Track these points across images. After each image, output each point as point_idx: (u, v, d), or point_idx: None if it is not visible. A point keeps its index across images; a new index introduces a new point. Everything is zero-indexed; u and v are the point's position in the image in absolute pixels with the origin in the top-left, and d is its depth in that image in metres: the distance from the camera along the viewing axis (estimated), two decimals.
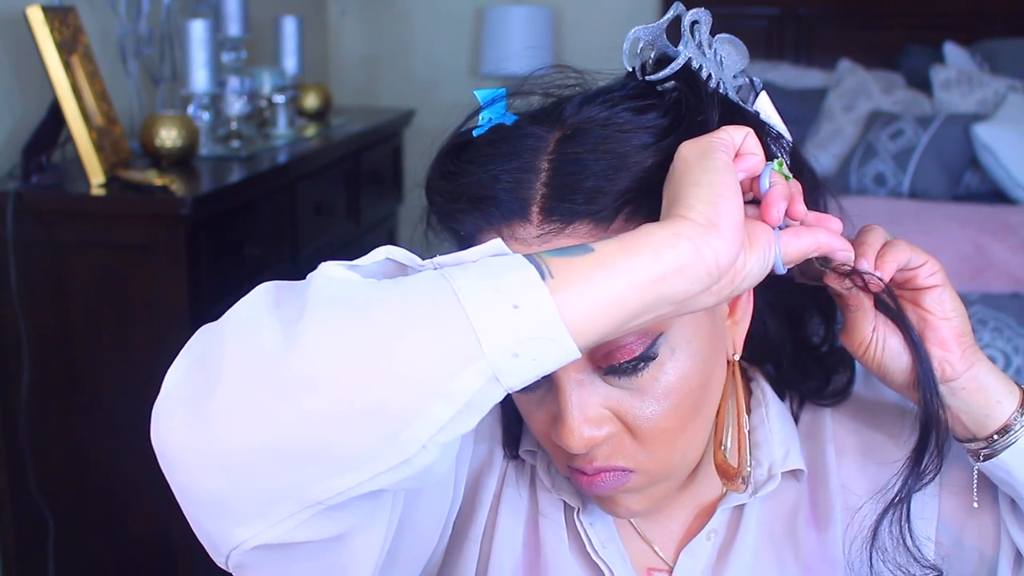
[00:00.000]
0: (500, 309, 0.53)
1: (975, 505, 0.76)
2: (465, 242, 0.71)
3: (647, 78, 0.70)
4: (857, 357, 0.75)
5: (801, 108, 3.68)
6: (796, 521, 0.80)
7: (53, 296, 1.93)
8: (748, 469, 0.78)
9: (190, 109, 2.39)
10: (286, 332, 0.54)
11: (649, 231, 0.58)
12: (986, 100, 3.52)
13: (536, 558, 0.81)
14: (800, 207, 0.65)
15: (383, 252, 0.61)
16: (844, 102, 3.63)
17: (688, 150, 0.63)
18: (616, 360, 0.68)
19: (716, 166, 0.61)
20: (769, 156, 0.68)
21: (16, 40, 2.06)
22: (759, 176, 0.65)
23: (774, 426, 0.81)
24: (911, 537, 0.74)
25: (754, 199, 0.65)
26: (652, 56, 0.71)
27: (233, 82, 2.49)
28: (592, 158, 0.67)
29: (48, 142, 2.01)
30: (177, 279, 1.90)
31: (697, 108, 0.68)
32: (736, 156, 0.64)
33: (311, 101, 2.97)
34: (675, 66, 0.69)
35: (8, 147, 2.07)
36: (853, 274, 0.71)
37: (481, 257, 0.58)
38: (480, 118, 0.73)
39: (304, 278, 0.59)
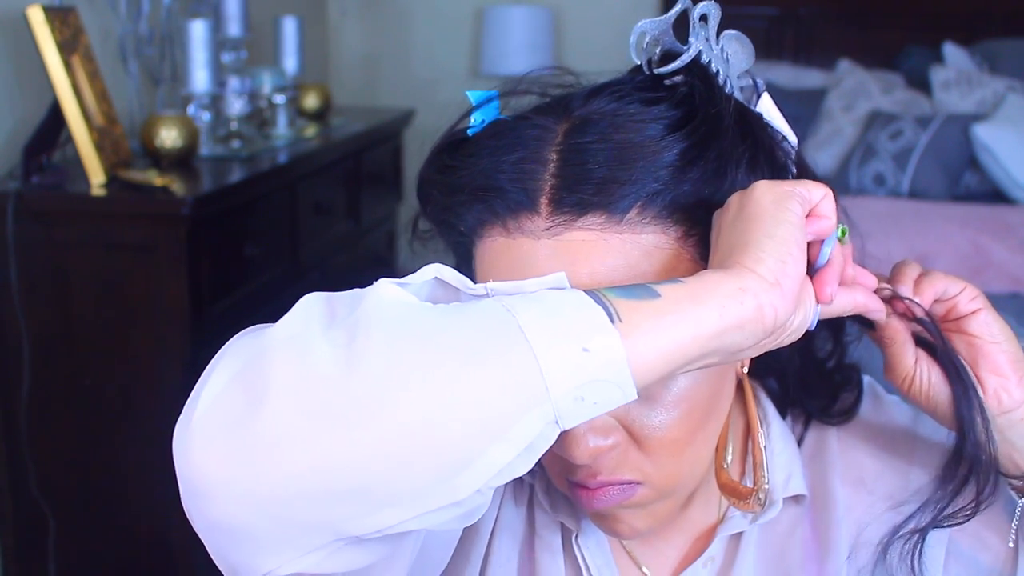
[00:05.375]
0: (569, 350, 0.51)
1: (1011, 545, 0.73)
2: (464, 237, 0.69)
3: (656, 71, 0.68)
4: (903, 394, 0.72)
5: (801, 108, 3.68)
6: (796, 548, 0.78)
7: (53, 296, 1.93)
8: (766, 486, 0.75)
9: (190, 109, 2.39)
10: (343, 355, 0.51)
11: (716, 281, 0.57)
12: (985, 100, 3.53)
13: None
14: (849, 272, 0.64)
15: (432, 271, 0.58)
16: (844, 102, 3.63)
17: (764, 193, 0.60)
18: None
19: (791, 219, 0.59)
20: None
21: (16, 40, 2.06)
22: (822, 241, 0.62)
23: (776, 448, 0.78)
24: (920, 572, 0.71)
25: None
26: (658, 51, 0.69)
27: (233, 82, 2.49)
28: (603, 148, 0.64)
29: (48, 142, 2.01)
30: (177, 279, 1.90)
31: (710, 100, 0.66)
32: (809, 214, 0.61)
33: (311, 101, 2.97)
34: (686, 58, 0.67)
35: (8, 147, 2.07)
36: (894, 298, 0.69)
37: (540, 288, 0.56)
38: (472, 119, 0.71)
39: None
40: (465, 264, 0.72)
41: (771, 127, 0.72)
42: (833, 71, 3.80)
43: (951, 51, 3.78)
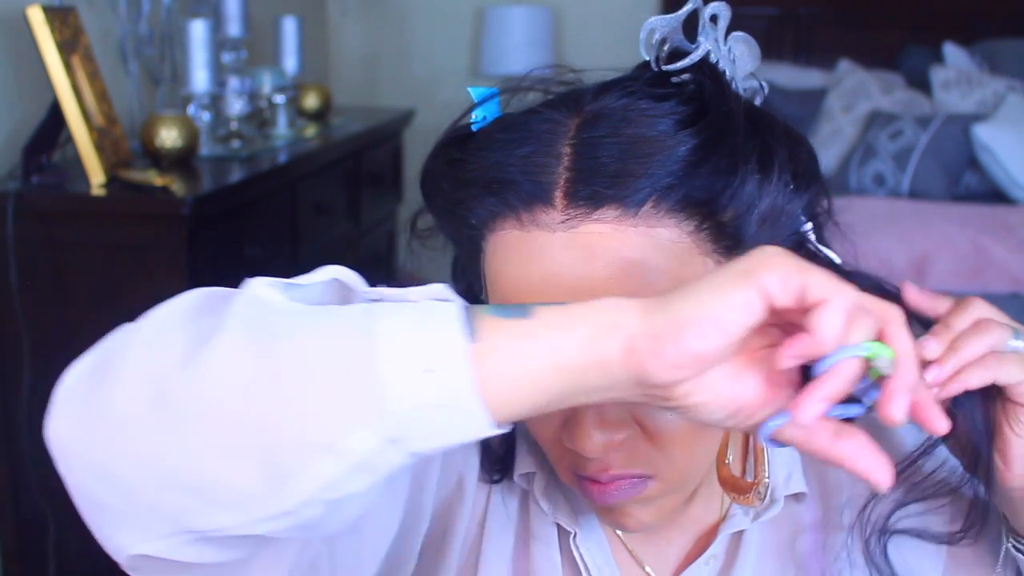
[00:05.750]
0: (411, 369, 0.48)
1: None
2: (474, 231, 0.68)
3: (664, 68, 0.68)
4: None
5: (801, 108, 3.68)
6: (799, 546, 0.78)
7: (53, 296, 1.93)
8: (766, 480, 0.75)
9: (190, 109, 2.39)
10: (193, 350, 0.50)
11: (598, 307, 0.51)
12: (985, 100, 3.53)
13: None
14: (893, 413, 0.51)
15: (330, 272, 0.57)
16: (844, 102, 3.63)
17: (757, 253, 0.51)
18: None
19: (740, 296, 0.49)
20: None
21: (16, 40, 2.06)
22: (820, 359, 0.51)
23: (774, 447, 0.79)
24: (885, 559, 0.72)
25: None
26: (666, 48, 0.69)
27: (233, 82, 2.49)
28: (616, 142, 0.64)
29: (48, 142, 2.01)
30: (177, 279, 1.90)
31: (720, 98, 0.66)
32: (794, 326, 0.51)
33: (311, 101, 2.97)
34: (695, 57, 0.67)
35: (8, 147, 2.07)
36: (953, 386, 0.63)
37: (423, 299, 0.53)
38: (474, 115, 0.71)
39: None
40: (471, 260, 0.71)
41: (786, 126, 0.71)
42: (833, 71, 3.80)
43: (951, 51, 3.78)
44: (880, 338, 0.51)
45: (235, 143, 2.45)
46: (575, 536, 0.77)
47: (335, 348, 0.49)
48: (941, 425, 0.51)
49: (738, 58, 0.71)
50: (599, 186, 0.63)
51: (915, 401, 0.51)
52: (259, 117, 2.71)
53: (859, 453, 0.52)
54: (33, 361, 1.91)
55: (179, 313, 0.54)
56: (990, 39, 3.82)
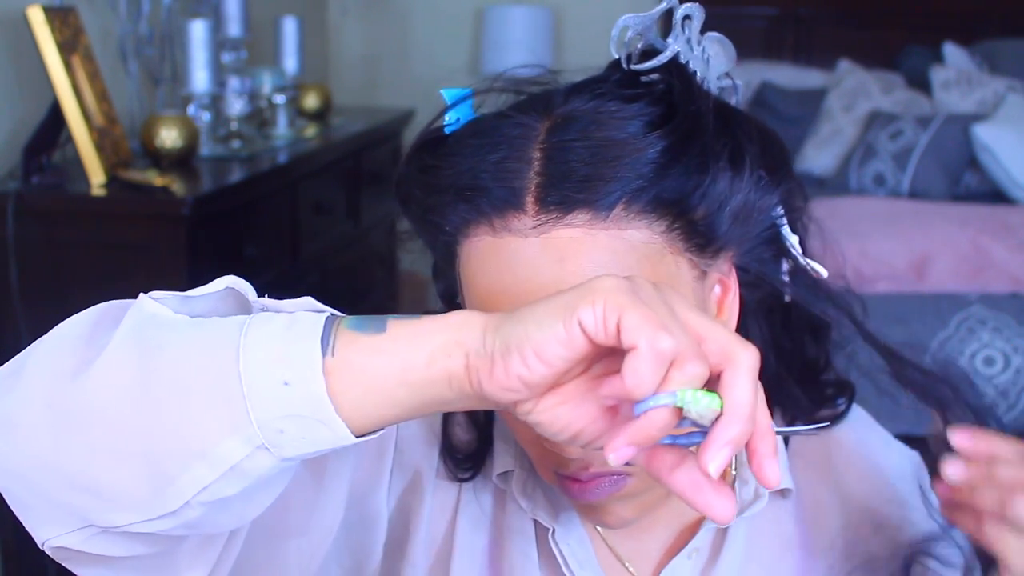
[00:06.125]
0: (271, 381, 0.51)
1: None
2: (448, 236, 0.68)
3: (632, 67, 0.69)
4: None
5: (801, 108, 3.68)
6: (784, 542, 0.78)
7: (53, 296, 1.93)
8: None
9: (190, 109, 2.39)
10: (84, 361, 0.54)
11: (446, 324, 0.52)
12: (985, 100, 3.53)
13: None
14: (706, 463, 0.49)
15: (224, 282, 0.58)
16: (844, 102, 3.63)
17: (586, 285, 0.51)
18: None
19: (560, 329, 0.49)
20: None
21: (16, 40, 2.06)
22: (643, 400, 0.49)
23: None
24: None
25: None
26: (639, 47, 0.69)
27: (233, 82, 2.49)
28: (586, 145, 0.64)
29: (48, 142, 2.01)
30: (177, 279, 1.90)
31: (689, 98, 0.66)
32: (617, 363, 0.49)
33: (311, 101, 2.97)
34: (663, 58, 0.68)
35: (8, 147, 2.07)
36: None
37: (297, 310, 0.56)
38: (447, 117, 0.71)
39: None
40: (447, 264, 0.72)
41: (758, 123, 0.71)
42: (833, 71, 3.80)
43: (951, 51, 3.78)
44: (718, 384, 0.49)
45: (235, 143, 2.45)
46: (554, 532, 0.77)
47: (207, 360, 0.52)
48: (772, 480, 0.50)
49: (712, 58, 0.71)
50: (569, 191, 0.63)
51: (751, 449, 0.50)
52: (259, 117, 2.71)
53: (695, 486, 0.50)
54: None
55: (78, 327, 0.58)
56: (990, 39, 3.82)
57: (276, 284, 2.31)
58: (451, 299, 0.76)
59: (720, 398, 0.49)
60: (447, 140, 0.70)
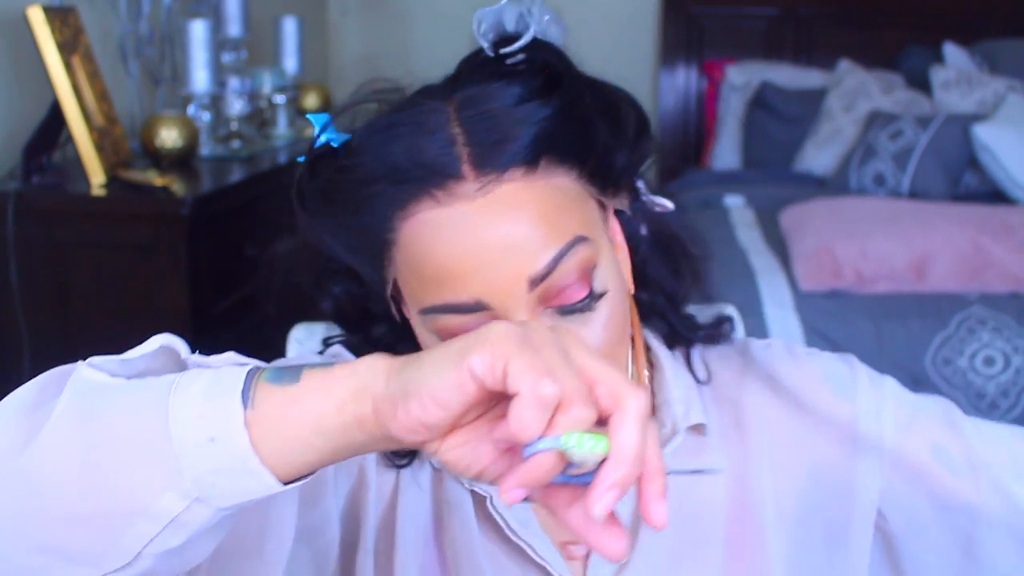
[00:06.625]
0: (198, 439, 0.54)
1: None
2: (387, 225, 0.71)
3: (503, 51, 0.74)
4: None
5: (801, 108, 3.68)
6: (709, 485, 0.80)
7: (53, 296, 1.93)
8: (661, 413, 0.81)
9: (190, 109, 2.39)
10: (29, 433, 0.58)
11: (354, 371, 0.55)
12: (985, 100, 3.53)
13: (449, 553, 0.79)
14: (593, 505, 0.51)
15: (157, 341, 0.63)
16: (844, 102, 3.63)
17: (479, 333, 0.53)
18: (569, 300, 0.70)
19: (453, 376, 0.52)
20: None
21: (16, 40, 2.06)
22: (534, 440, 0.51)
23: (670, 382, 0.82)
24: None
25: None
26: (491, 36, 0.75)
27: (233, 82, 2.50)
28: (495, 117, 0.70)
29: (48, 142, 2.01)
30: (177, 279, 1.90)
31: (568, 65, 0.73)
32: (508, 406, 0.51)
33: (311, 101, 2.97)
34: (528, 37, 0.73)
35: (8, 147, 2.07)
36: None
37: (222, 365, 0.60)
38: (322, 139, 0.74)
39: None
40: (375, 265, 0.74)
41: (618, 88, 0.78)
42: (833, 71, 3.80)
43: (951, 51, 3.78)
44: (607, 426, 0.51)
45: (235, 143, 2.45)
46: (491, 499, 0.79)
47: (140, 422, 0.56)
48: (657, 521, 0.52)
49: (552, 37, 0.77)
50: (499, 153, 0.69)
51: (639, 489, 0.52)
52: (259, 117, 2.71)
53: (587, 525, 0.53)
54: (33, 361, 1.91)
55: (23, 399, 0.61)
56: (990, 39, 3.82)
57: (266, 290, 2.31)
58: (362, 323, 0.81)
59: (608, 440, 0.50)
60: (350, 144, 0.73)
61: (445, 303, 0.70)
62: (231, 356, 0.61)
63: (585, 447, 0.50)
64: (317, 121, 0.75)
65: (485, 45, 0.75)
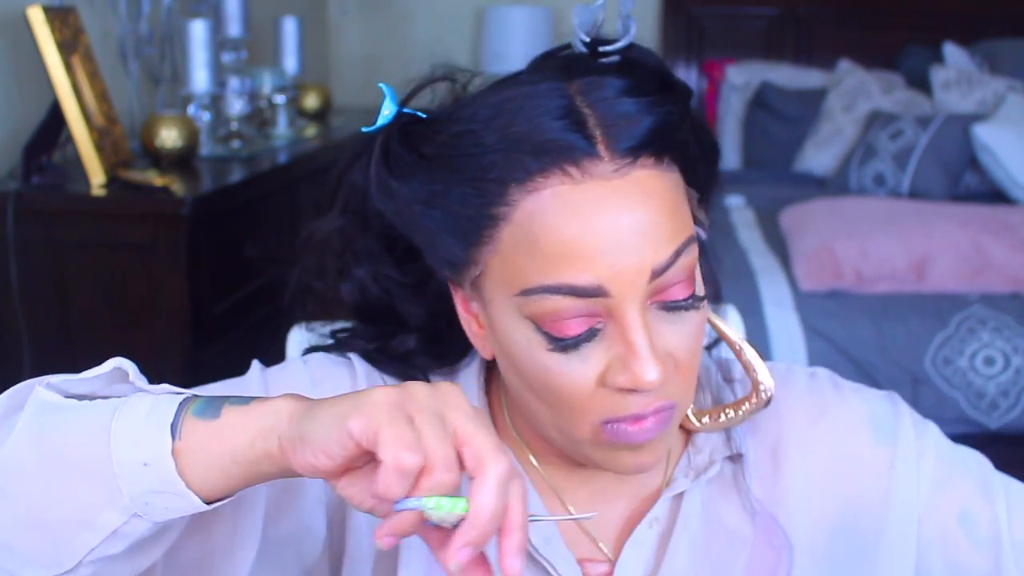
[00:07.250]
0: (134, 463, 0.62)
1: None
2: (505, 197, 0.68)
3: (603, 48, 0.73)
4: None
5: (801, 108, 3.68)
6: (739, 505, 0.80)
7: (53, 296, 1.93)
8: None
9: (190, 109, 2.39)
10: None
11: (266, 410, 0.63)
12: (986, 100, 3.53)
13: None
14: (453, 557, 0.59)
15: (112, 363, 0.69)
16: (844, 102, 3.63)
17: (358, 397, 0.60)
18: (674, 297, 0.70)
19: (336, 433, 0.59)
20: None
21: (16, 40, 2.06)
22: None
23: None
24: None
25: None
26: (589, 34, 0.74)
27: (233, 82, 2.50)
28: (620, 104, 0.69)
29: (48, 142, 2.01)
30: (177, 279, 1.90)
31: (670, 72, 0.74)
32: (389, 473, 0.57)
33: (311, 101, 2.97)
34: (631, 36, 0.73)
35: (8, 147, 2.07)
36: None
37: (160, 393, 0.66)
38: (396, 110, 0.74)
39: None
40: (467, 237, 0.71)
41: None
42: (833, 71, 3.80)
43: (951, 51, 3.78)
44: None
45: (235, 143, 2.45)
46: None
47: (86, 441, 0.63)
48: (512, 574, 0.58)
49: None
50: (631, 138, 0.69)
51: (498, 544, 0.58)
52: (259, 117, 2.71)
53: (443, 545, 0.59)
54: (33, 361, 1.91)
55: None
56: (990, 39, 3.82)
57: (276, 284, 2.31)
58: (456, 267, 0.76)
59: (466, 502, 0.57)
60: (463, 108, 0.72)
61: (562, 283, 0.67)
62: (166, 387, 0.68)
63: (443, 509, 0.57)
64: (388, 92, 0.75)
65: (587, 39, 0.74)
